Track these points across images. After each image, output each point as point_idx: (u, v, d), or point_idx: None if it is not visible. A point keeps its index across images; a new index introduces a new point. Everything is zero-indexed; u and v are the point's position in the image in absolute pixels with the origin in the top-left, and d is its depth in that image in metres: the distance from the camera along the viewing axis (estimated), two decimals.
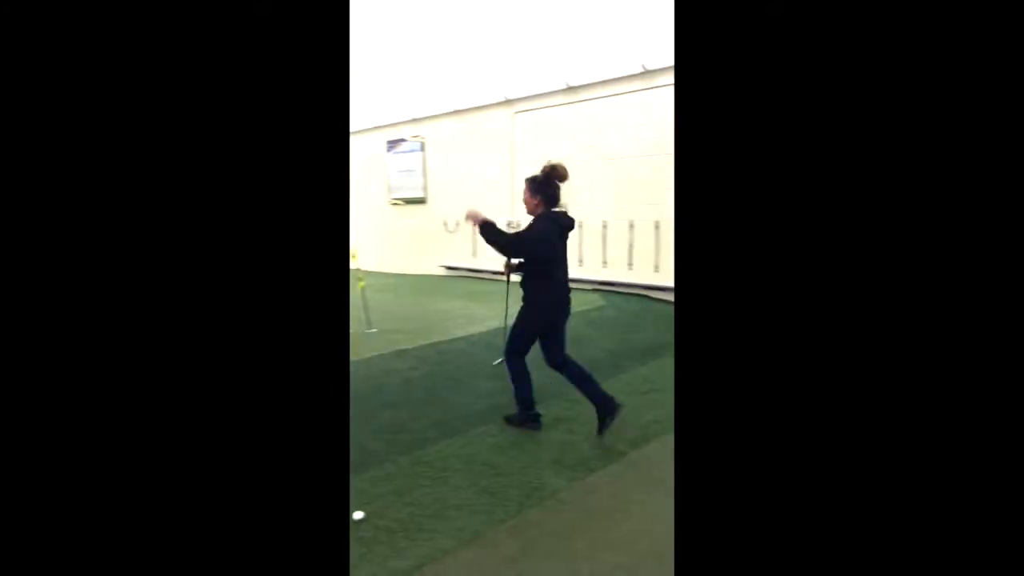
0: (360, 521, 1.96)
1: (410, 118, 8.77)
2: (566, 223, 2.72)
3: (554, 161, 2.73)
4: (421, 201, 8.75)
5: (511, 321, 2.80)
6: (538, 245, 2.62)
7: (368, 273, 4.77)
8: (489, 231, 2.66)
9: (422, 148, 8.68)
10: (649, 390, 3.33)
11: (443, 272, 8.42)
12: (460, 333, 4.82)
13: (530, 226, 2.66)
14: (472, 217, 2.73)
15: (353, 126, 9.74)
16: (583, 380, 2.72)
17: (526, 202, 2.74)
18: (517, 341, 2.76)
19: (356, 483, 2.25)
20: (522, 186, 2.78)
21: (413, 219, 8.90)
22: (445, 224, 8.40)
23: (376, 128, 9.33)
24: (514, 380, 2.80)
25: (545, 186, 2.70)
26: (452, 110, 8.08)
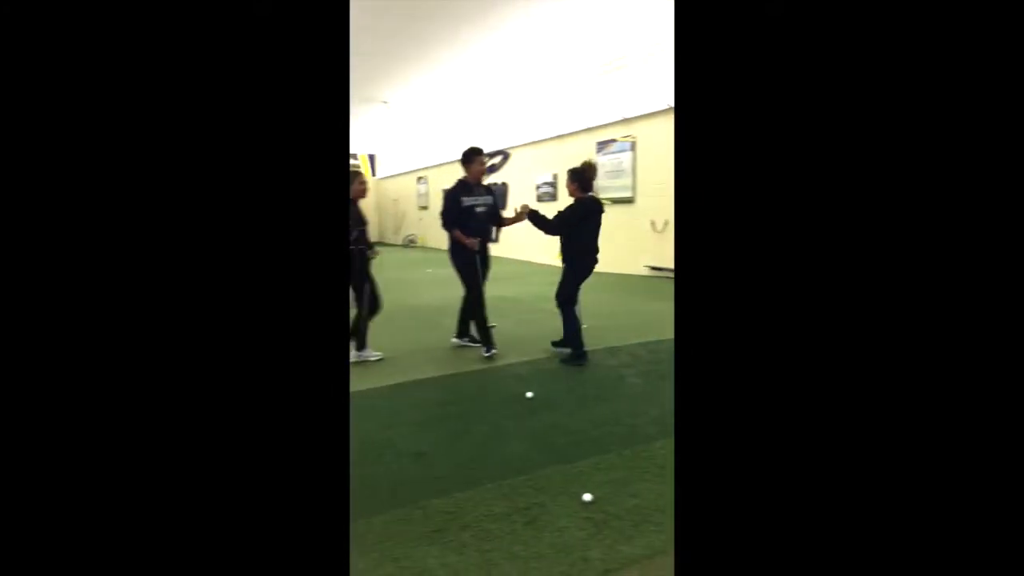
0: (589, 503, 2.08)
1: (621, 118, 8.82)
2: (591, 206, 3.93)
3: (589, 160, 4.16)
4: (629, 201, 8.75)
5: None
6: (561, 226, 3.91)
7: None
8: (535, 217, 3.99)
9: (632, 148, 8.67)
10: None
11: (647, 272, 8.33)
12: (670, 335, 4.74)
13: (561, 212, 3.93)
14: (523, 211, 4.03)
15: (562, 129, 10.12)
16: (571, 324, 3.97)
17: (567, 186, 3.99)
18: (564, 293, 3.98)
19: (580, 466, 2.38)
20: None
21: (620, 219, 8.95)
22: (653, 224, 8.29)
23: (587, 130, 9.55)
24: (566, 323, 3.99)
25: (581, 175, 3.93)
26: (665, 107, 7.93)
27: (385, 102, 12.50)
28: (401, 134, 16.68)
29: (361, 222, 4.10)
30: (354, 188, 4.10)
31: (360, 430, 2.82)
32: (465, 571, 1.71)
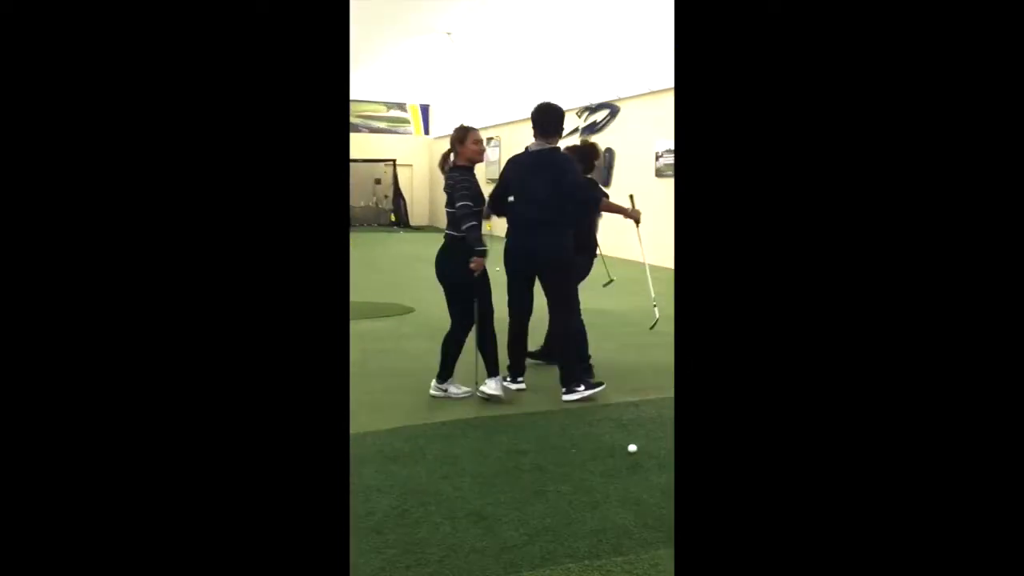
0: (633, 453, 2.38)
1: None
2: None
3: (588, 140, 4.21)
4: None
5: None
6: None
7: None
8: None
9: None
10: None
11: None
12: None
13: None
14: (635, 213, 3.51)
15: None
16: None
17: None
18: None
19: None
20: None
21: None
22: None
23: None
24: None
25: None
26: None
27: (448, 33, 9.58)
28: (467, 78, 12.34)
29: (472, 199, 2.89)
30: (466, 148, 2.91)
31: (404, 479, 2.23)
32: None
